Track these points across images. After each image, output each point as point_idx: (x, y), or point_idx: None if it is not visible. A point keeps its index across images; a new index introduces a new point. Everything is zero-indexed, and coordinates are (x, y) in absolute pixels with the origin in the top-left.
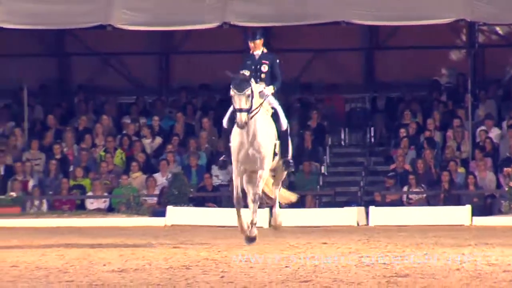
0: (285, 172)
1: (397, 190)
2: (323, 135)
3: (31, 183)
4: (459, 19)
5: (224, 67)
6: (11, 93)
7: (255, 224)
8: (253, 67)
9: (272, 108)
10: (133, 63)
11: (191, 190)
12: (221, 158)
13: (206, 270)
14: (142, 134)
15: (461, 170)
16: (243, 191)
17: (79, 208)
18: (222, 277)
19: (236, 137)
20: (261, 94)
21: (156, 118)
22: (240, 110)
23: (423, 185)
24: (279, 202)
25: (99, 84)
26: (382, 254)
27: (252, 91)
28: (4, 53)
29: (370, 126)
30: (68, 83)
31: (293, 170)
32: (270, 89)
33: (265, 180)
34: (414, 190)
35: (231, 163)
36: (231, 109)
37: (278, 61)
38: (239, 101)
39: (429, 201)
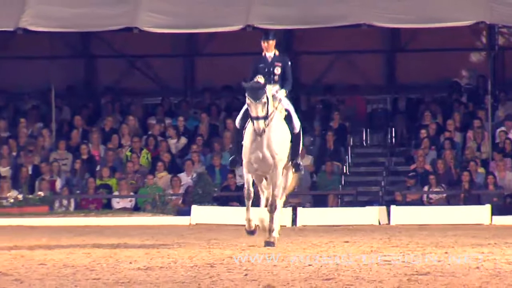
0: (291, 176)
1: (418, 190)
2: (345, 136)
3: (58, 183)
4: (479, 21)
5: (247, 68)
6: (39, 95)
7: (273, 231)
8: (266, 69)
9: (286, 110)
10: (158, 65)
11: (215, 189)
12: (231, 157)
13: (230, 268)
14: (168, 134)
15: (481, 170)
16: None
17: (106, 207)
18: (246, 275)
19: (249, 137)
20: (274, 97)
21: (181, 118)
22: (257, 118)
23: (443, 185)
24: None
25: (125, 85)
26: (403, 253)
27: (267, 98)
28: (32, 55)
29: (391, 127)
30: (95, 85)
31: (302, 173)
32: (282, 93)
33: (280, 187)
34: (435, 190)
35: (241, 163)
36: (244, 108)
37: (289, 63)
38: (255, 109)
39: (449, 201)
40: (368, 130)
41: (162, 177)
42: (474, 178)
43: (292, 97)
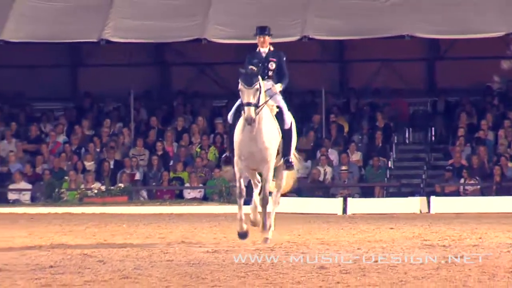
0: (285, 173)
1: (455, 182)
2: (390, 134)
3: (137, 176)
4: (510, 32)
5: (301, 75)
6: (120, 98)
7: (268, 226)
8: (260, 64)
9: (277, 107)
10: (224, 72)
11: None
12: (225, 155)
13: (288, 251)
14: None
15: (511, 164)
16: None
17: (178, 197)
18: (302, 257)
19: (240, 132)
20: (269, 92)
21: None
22: (249, 104)
23: (477, 178)
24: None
25: (195, 89)
26: (441, 238)
27: (260, 86)
28: (113, 63)
29: (431, 126)
30: (168, 89)
31: (293, 170)
32: (278, 87)
33: (270, 180)
34: (470, 182)
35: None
36: (236, 104)
37: (285, 58)
38: (247, 95)
39: (483, 192)
40: (411, 129)
41: (228, 171)
42: (505, 172)
43: (342, 101)
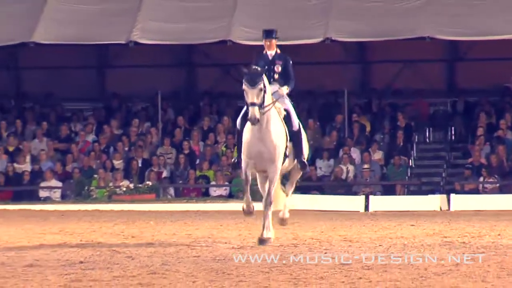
0: (300, 173)
1: (474, 180)
2: (410, 134)
3: (164, 174)
4: None
5: (324, 76)
6: (147, 98)
7: (267, 228)
8: (266, 67)
9: (285, 109)
10: None
11: (298, 180)
12: (234, 159)
13: (311, 247)
14: None
15: None
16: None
17: (204, 195)
18: (325, 253)
19: (248, 133)
20: (276, 94)
21: None
22: (253, 104)
23: (496, 176)
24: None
25: (220, 90)
26: (461, 235)
27: (264, 86)
28: (141, 64)
29: (451, 126)
30: (195, 90)
31: (308, 171)
32: (285, 89)
33: (275, 183)
34: (489, 180)
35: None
36: (244, 109)
37: (291, 62)
38: (251, 95)
39: (501, 190)
40: (431, 128)
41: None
42: None
43: (364, 101)
